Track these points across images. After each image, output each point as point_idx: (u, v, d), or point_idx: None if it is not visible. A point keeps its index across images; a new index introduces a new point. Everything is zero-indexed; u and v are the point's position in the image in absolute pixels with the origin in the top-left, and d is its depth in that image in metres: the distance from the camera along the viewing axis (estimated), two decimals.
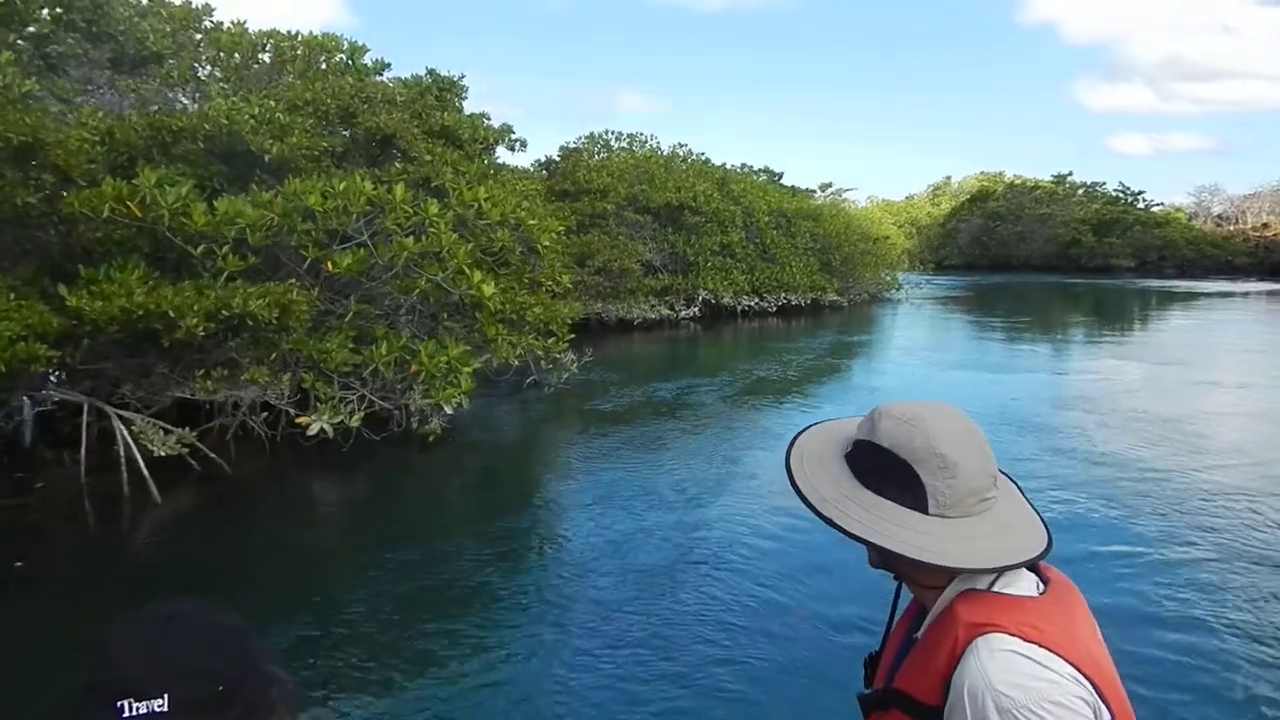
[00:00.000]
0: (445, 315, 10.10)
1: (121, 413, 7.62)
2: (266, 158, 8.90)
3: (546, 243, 10.03)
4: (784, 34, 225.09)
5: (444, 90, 12.03)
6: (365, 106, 10.34)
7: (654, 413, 11.58)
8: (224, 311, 7.09)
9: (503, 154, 22.62)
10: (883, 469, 1.31)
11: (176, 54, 10.85)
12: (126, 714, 0.90)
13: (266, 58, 12.16)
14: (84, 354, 7.76)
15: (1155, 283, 49.10)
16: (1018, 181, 70.33)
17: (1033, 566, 1.32)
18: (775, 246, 26.57)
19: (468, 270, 8.67)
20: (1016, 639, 1.19)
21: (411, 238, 8.54)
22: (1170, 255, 60.23)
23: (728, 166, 32.30)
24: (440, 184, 9.89)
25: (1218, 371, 16.17)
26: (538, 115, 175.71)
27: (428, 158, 10.19)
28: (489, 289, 8.70)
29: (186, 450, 7.61)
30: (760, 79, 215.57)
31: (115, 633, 0.97)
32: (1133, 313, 32.00)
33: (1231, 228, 67.22)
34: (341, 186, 8.27)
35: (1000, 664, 1.17)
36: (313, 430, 8.05)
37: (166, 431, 7.59)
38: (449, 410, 8.84)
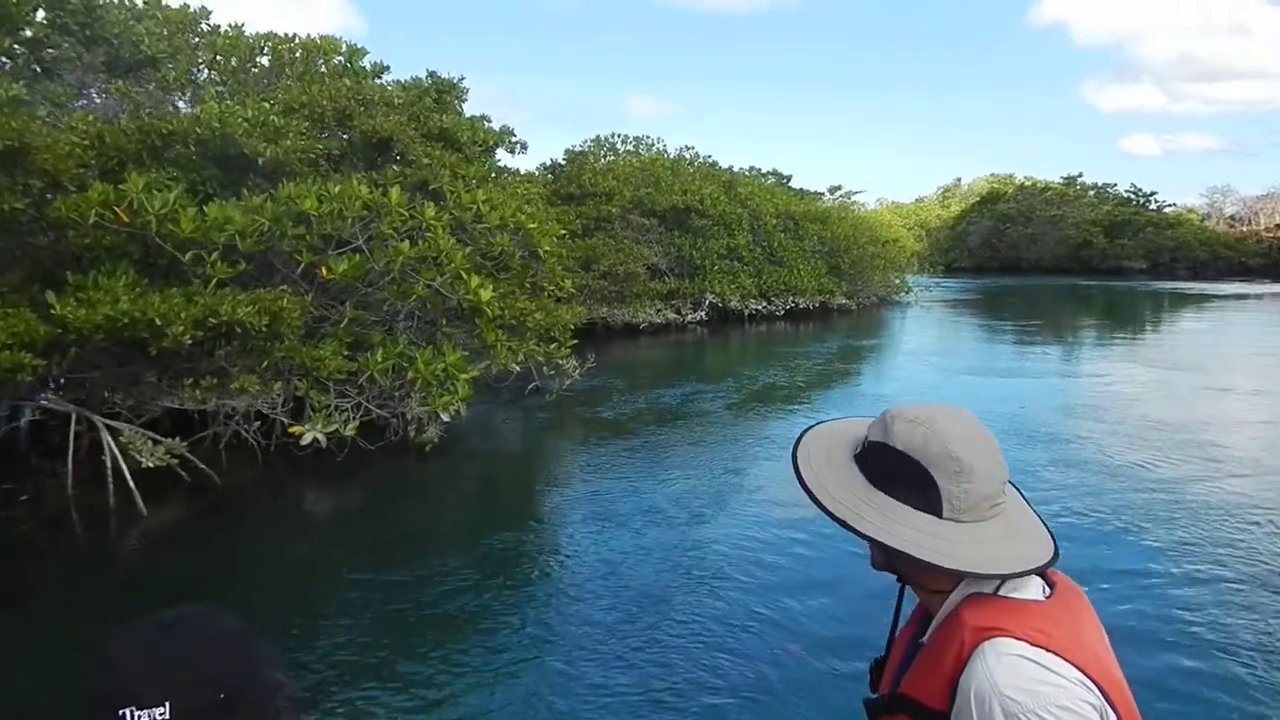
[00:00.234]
0: (444, 321, 9.93)
1: (110, 423, 7.46)
2: (260, 161, 8.73)
3: (547, 247, 9.82)
4: (793, 35, 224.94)
5: (443, 92, 11.86)
6: (362, 109, 10.17)
7: (657, 421, 11.35)
8: (212, 319, 6.92)
9: (506, 158, 22.54)
10: (896, 471, 1.30)
11: (173, 57, 10.70)
12: None
13: (265, 61, 12.01)
14: (71, 363, 7.62)
15: (1168, 285, 48.65)
16: (1028, 183, 69.97)
17: (1038, 571, 1.31)
18: (783, 249, 26.35)
19: (465, 275, 8.48)
20: (1023, 643, 1.19)
21: (408, 242, 8.37)
22: (1183, 257, 59.81)
23: (736, 169, 32.18)
24: (438, 187, 9.72)
25: (1232, 377, 15.83)
26: (546, 119, 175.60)
27: (425, 161, 10.01)
28: (486, 294, 8.51)
29: (176, 461, 7.44)
30: (769, 80, 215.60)
31: (117, 640, 0.96)
32: (1145, 316, 31.65)
33: (1245, 228, 66.76)
34: (336, 190, 8.10)
35: (1007, 668, 1.17)
36: (305, 440, 7.87)
37: (155, 442, 7.43)
38: (446, 418, 8.64)
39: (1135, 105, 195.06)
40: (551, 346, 10.57)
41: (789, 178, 38.40)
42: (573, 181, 21.61)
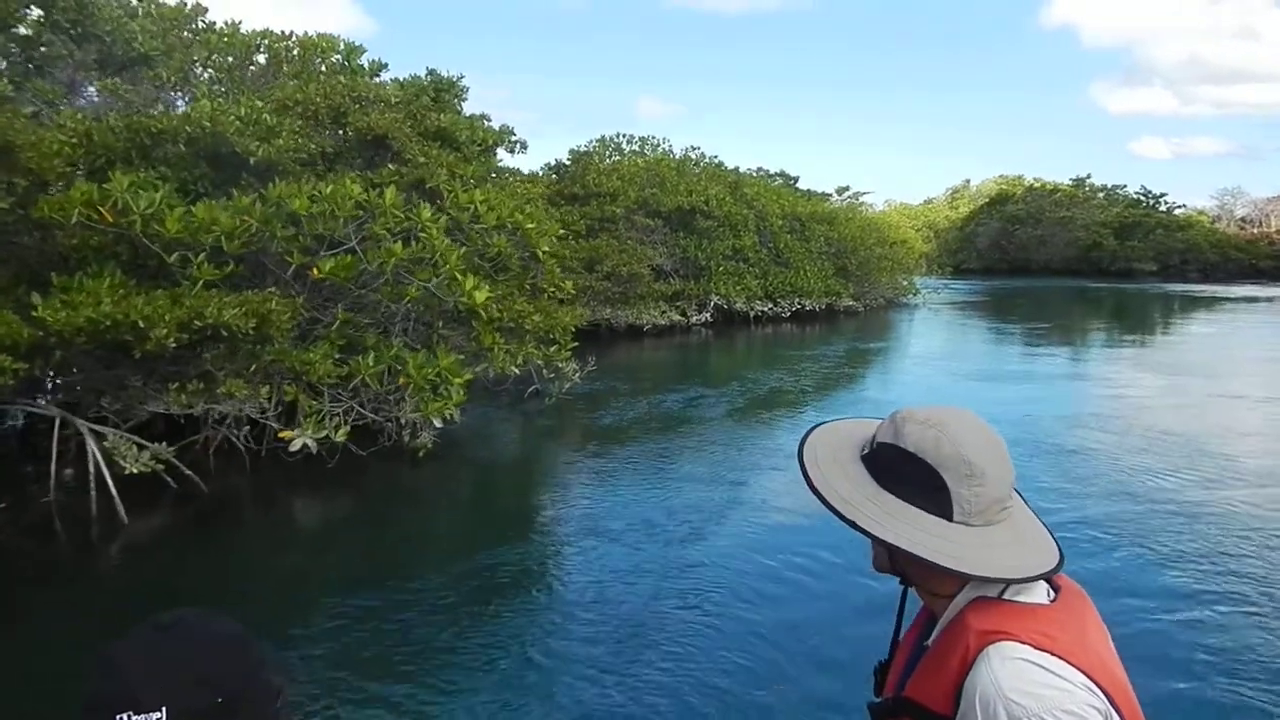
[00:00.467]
0: (441, 323, 9.74)
1: (95, 427, 7.28)
2: (252, 160, 8.55)
3: (546, 248, 9.61)
4: (802, 36, 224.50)
5: (441, 91, 11.65)
6: (357, 107, 9.99)
7: (659, 427, 11.11)
8: (197, 322, 6.73)
9: (509, 158, 22.35)
10: (906, 473, 1.30)
11: (168, 55, 10.54)
12: None
13: (262, 59, 11.84)
14: (55, 366, 7.46)
15: (1178, 287, 48.17)
16: (1037, 184, 69.43)
17: (1046, 576, 1.30)
18: (789, 251, 26.11)
19: (460, 277, 8.28)
20: (1028, 647, 1.19)
21: (401, 243, 8.17)
22: (1193, 259, 59.35)
23: (743, 170, 31.94)
24: (435, 186, 9.53)
25: (1243, 383, 15.48)
26: (554, 120, 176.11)
27: (422, 160, 9.81)
28: (481, 296, 8.31)
29: (161, 467, 7.25)
30: (777, 81, 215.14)
31: (116, 644, 0.95)
32: (1155, 319, 31.30)
33: (1256, 231, 66.28)
34: (328, 190, 7.92)
35: (1012, 672, 1.17)
36: (295, 446, 7.68)
37: (140, 447, 7.24)
38: (438, 424, 8.45)
39: (1144, 108, 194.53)
40: (551, 349, 10.38)
41: (796, 178, 38.28)
42: (577, 182, 21.42)
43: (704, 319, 23.31)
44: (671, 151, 28.55)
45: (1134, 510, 7.65)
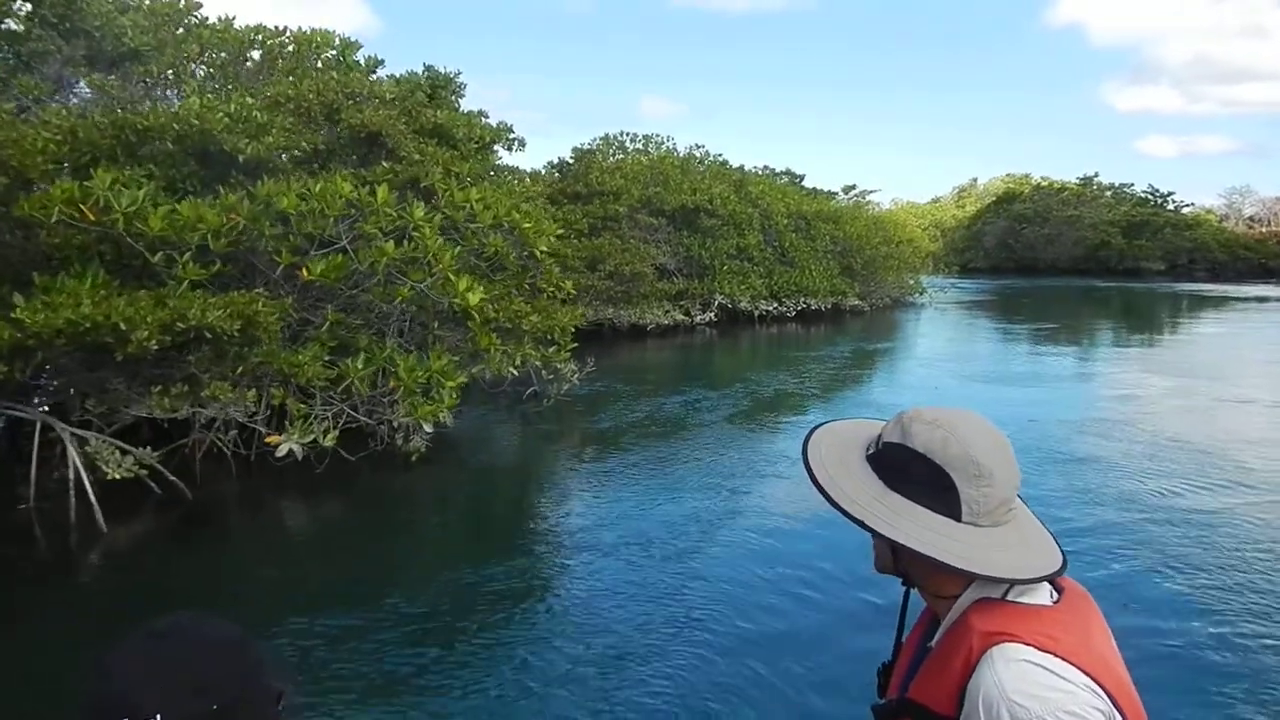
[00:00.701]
0: (437, 324, 9.54)
1: (77, 431, 7.11)
2: (241, 158, 8.36)
3: (543, 247, 9.38)
4: (807, 36, 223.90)
5: (437, 87, 11.45)
6: (350, 103, 9.78)
7: (660, 431, 10.87)
8: (180, 323, 6.53)
9: (510, 157, 22.16)
10: (913, 473, 1.29)
11: (159, 51, 10.34)
12: None
13: (257, 55, 11.64)
14: (37, 368, 7.27)
15: (1186, 286, 47.79)
16: (1044, 183, 69.07)
17: (1050, 578, 1.30)
18: (794, 250, 25.87)
19: (453, 277, 8.07)
20: (1031, 648, 1.18)
21: (393, 242, 7.97)
22: (1201, 258, 58.99)
23: (748, 168, 31.68)
24: (429, 185, 9.32)
25: (1253, 387, 15.13)
26: (561, 119, 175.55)
27: (417, 157, 9.60)
28: (475, 297, 8.10)
29: (145, 472, 7.06)
30: (781, 81, 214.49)
31: (112, 650, 0.94)
32: (1163, 319, 30.98)
33: (1264, 229, 65.86)
34: (318, 188, 7.72)
35: (1015, 674, 1.16)
36: (281, 451, 7.49)
37: (124, 452, 7.06)
38: (428, 428, 8.25)
39: (1152, 106, 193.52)
40: (550, 350, 10.17)
41: (802, 177, 37.96)
42: (580, 180, 21.22)
43: (708, 319, 23.10)
44: (676, 150, 28.37)
45: (1142, 519, 7.43)
